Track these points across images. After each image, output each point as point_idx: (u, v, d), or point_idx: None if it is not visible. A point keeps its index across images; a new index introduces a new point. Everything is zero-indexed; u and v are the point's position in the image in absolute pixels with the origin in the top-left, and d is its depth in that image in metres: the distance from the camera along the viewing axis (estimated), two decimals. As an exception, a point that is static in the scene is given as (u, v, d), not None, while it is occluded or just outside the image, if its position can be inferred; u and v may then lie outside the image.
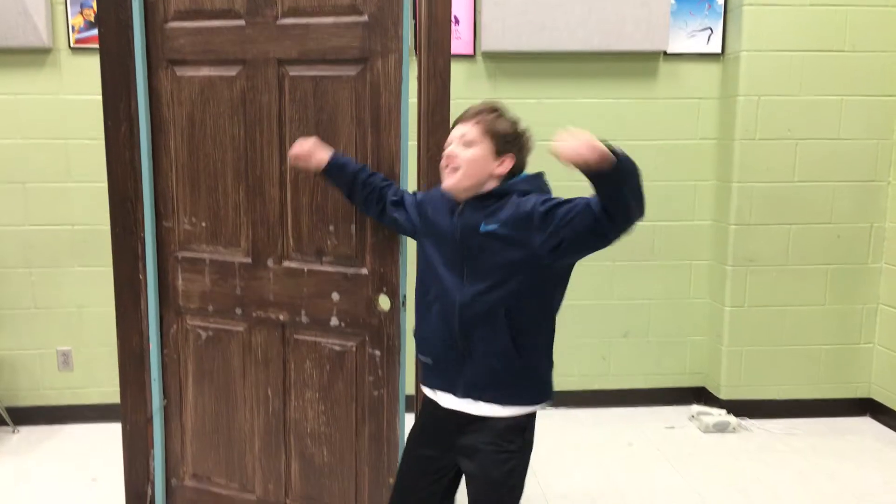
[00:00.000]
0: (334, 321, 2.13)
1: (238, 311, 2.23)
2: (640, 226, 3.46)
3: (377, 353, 2.11)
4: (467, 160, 1.70)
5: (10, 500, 2.74)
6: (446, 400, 1.78)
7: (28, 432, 3.35)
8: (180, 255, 2.27)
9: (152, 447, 2.38)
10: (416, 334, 1.85)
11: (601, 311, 3.60)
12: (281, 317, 2.19)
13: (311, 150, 2.00)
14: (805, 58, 3.31)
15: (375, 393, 2.13)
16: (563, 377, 3.62)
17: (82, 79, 3.24)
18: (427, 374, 1.84)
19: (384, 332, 2.08)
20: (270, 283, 2.18)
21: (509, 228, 1.66)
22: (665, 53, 3.44)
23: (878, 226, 3.46)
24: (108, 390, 3.45)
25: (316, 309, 2.15)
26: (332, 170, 1.98)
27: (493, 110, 1.74)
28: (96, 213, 3.32)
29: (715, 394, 3.59)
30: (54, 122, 3.26)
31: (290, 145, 2.09)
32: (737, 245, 3.43)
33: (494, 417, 1.72)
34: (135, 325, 2.33)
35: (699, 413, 3.49)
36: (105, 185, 2.98)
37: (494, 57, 3.36)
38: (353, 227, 2.09)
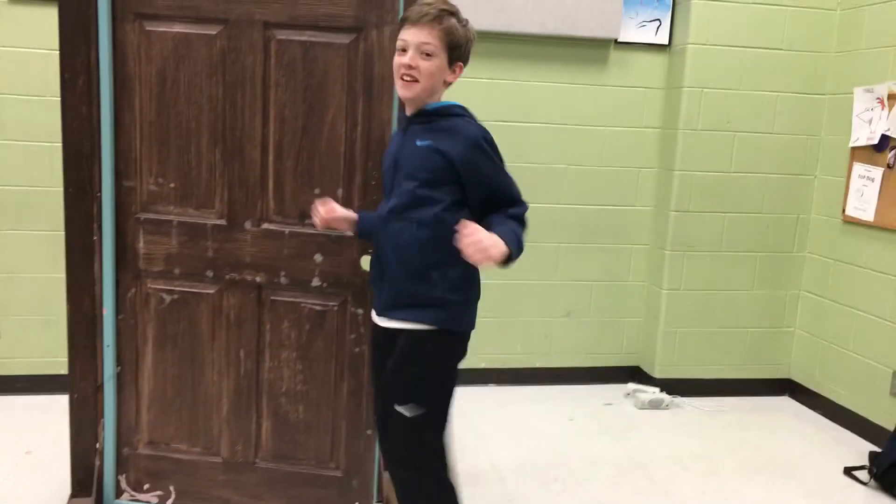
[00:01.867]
0: (316, 282, 2.13)
1: (209, 273, 2.18)
2: (585, 209, 3.62)
3: (360, 311, 2.14)
4: (427, 72, 1.70)
5: (-62, 472, 2.58)
6: (375, 317, 1.86)
7: (-51, 404, 3.15)
8: (143, 216, 2.20)
9: (102, 416, 2.30)
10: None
11: (545, 290, 3.70)
12: (258, 278, 2.16)
13: (335, 213, 1.97)
14: (746, 53, 3.49)
15: (356, 349, 2.17)
16: (507, 354, 3.71)
17: (19, 31, 3.05)
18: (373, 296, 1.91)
19: (368, 291, 2.09)
20: (247, 245, 2.15)
21: (444, 147, 1.69)
22: (616, 42, 3.55)
23: (803, 217, 3.70)
24: (39, 361, 3.29)
25: (297, 270, 2.14)
26: (365, 224, 1.96)
27: (451, 14, 1.72)
28: (30, 173, 3.14)
29: (649, 373, 3.77)
30: (-13, 74, 3.06)
31: (276, 108, 2.06)
32: (676, 231, 3.60)
33: (401, 330, 1.78)
34: (86, 289, 2.23)
35: (634, 391, 3.65)
36: (42, 144, 2.84)
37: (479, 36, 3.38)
38: (339, 190, 2.09)
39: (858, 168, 3.38)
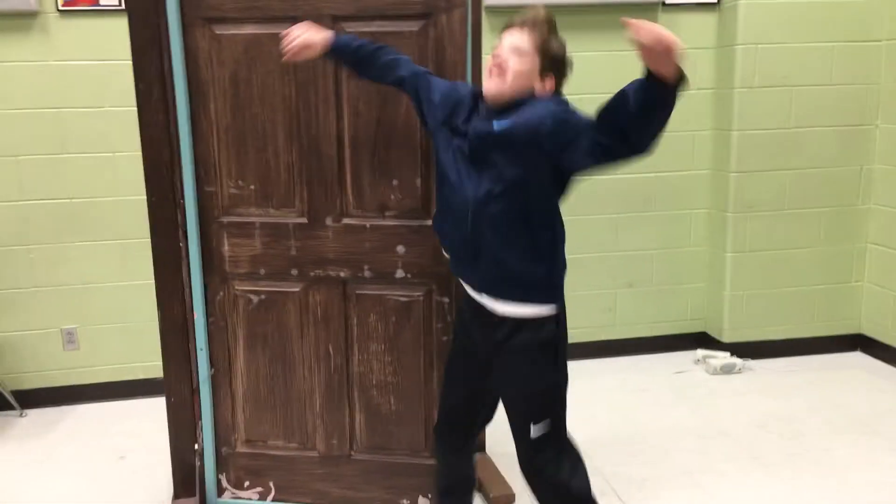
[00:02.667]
0: (399, 273, 2.14)
1: (294, 271, 2.20)
2: (640, 177, 3.58)
3: (445, 299, 2.14)
4: (516, 70, 1.68)
5: (35, 483, 2.66)
6: (470, 290, 1.83)
7: (36, 415, 3.23)
8: (225, 219, 2.22)
9: (199, 418, 2.34)
10: (436, 223, 1.88)
11: (605, 262, 3.68)
12: (342, 274, 2.18)
13: (309, 39, 1.90)
14: (797, 5, 3.41)
15: (444, 338, 2.17)
16: (572, 329, 3.67)
17: (73, 44, 3.08)
18: (453, 263, 1.88)
19: (452, 279, 2.09)
20: (329, 242, 2.16)
21: (522, 126, 1.66)
22: (664, 4, 3.48)
23: (866, 168, 3.62)
24: (118, 367, 3.36)
25: (380, 263, 2.15)
26: (338, 50, 1.93)
27: (549, 23, 1.70)
28: (93, 184, 3.19)
29: (717, 338, 3.74)
30: (44, 90, 3.09)
31: (349, 103, 2.06)
32: (737, 192, 3.54)
33: (512, 317, 1.75)
34: (176, 296, 2.27)
35: (705, 357, 3.62)
36: (103, 154, 2.88)
37: (497, 11, 3.34)
38: (418, 179, 2.09)
39: (925, 114, 3.29)
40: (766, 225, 3.60)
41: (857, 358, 3.73)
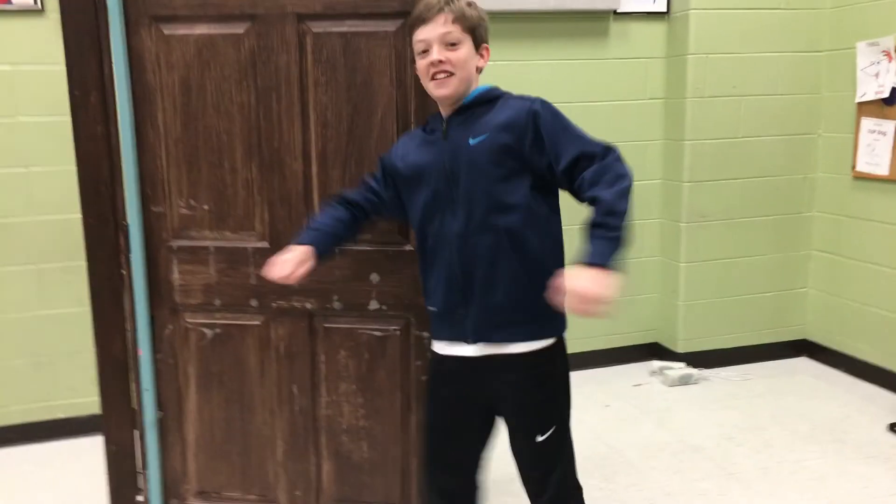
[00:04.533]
0: (374, 304, 1.93)
1: (253, 302, 1.97)
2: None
3: (425, 334, 1.94)
4: (460, 62, 1.55)
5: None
6: (460, 349, 1.65)
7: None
8: (175, 244, 1.97)
9: (145, 468, 2.07)
10: (423, 288, 1.71)
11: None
12: (308, 305, 1.96)
13: (296, 263, 1.68)
14: (746, 15, 3.42)
15: (424, 377, 1.97)
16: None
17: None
18: (436, 325, 1.70)
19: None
20: (294, 269, 1.94)
21: (503, 134, 1.54)
22: (615, 13, 3.43)
23: (810, 177, 3.68)
24: (33, 407, 2.99)
25: (351, 293, 1.94)
26: (322, 247, 1.72)
27: (457, 1, 1.56)
28: (4, 203, 2.83)
29: (671, 348, 3.70)
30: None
31: (316, 112, 1.85)
32: (690, 202, 3.52)
33: (516, 354, 1.60)
34: (116, 330, 2.01)
35: (661, 368, 3.58)
36: (13, 170, 2.61)
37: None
38: (395, 200, 1.89)
39: (867, 123, 3.36)
40: (718, 234, 3.59)
41: (804, 363, 3.78)
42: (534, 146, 1.54)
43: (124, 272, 1.97)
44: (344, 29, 1.82)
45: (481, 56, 1.61)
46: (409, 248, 1.89)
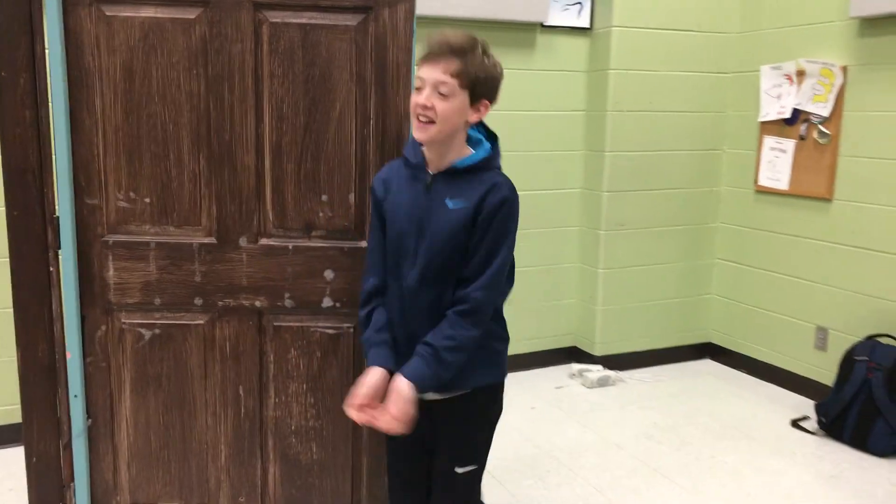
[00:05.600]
0: (327, 302, 1.89)
1: (198, 301, 1.88)
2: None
3: (379, 333, 1.91)
4: (444, 115, 1.52)
5: None
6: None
7: None
8: (111, 238, 1.85)
9: (72, 479, 1.93)
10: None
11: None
12: (258, 303, 1.88)
13: (377, 390, 1.59)
14: (663, 35, 3.60)
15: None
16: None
17: None
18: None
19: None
20: (243, 266, 1.87)
21: (470, 206, 1.56)
22: (542, 25, 3.52)
23: (715, 190, 3.91)
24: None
25: (304, 290, 1.88)
26: (390, 357, 1.64)
27: (471, 48, 1.53)
28: None
29: (589, 351, 3.82)
30: None
31: (271, 104, 1.79)
32: (609, 211, 3.66)
33: (457, 397, 1.66)
34: (41, 332, 1.85)
35: (581, 371, 3.69)
36: None
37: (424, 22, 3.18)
38: (351, 196, 1.86)
39: (769, 141, 3.61)
40: (635, 242, 3.75)
41: (707, 365, 4.00)
42: (483, 223, 1.55)
43: (52, 269, 1.83)
44: (303, 20, 1.77)
45: (476, 111, 1.56)
46: (364, 244, 1.85)
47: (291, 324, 1.91)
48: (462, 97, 1.54)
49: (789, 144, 3.50)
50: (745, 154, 3.77)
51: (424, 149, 1.61)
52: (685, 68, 3.69)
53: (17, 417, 2.72)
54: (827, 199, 3.35)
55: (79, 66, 1.76)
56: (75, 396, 1.88)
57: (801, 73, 3.41)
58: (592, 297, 3.78)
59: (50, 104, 1.76)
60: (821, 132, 3.34)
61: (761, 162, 3.66)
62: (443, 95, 1.52)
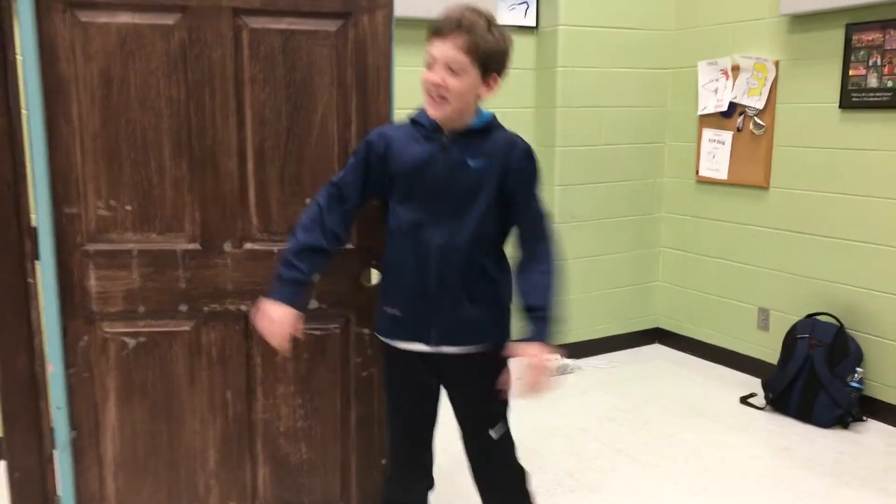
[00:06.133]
0: (313, 303, 1.91)
1: (183, 307, 1.88)
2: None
3: (365, 331, 1.95)
4: (456, 92, 1.59)
5: None
6: (417, 347, 1.74)
7: None
8: (91, 247, 1.83)
9: (56, 493, 1.90)
10: (381, 283, 1.79)
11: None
12: (243, 307, 1.89)
13: (280, 325, 1.70)
14: (605, 33, 3.74)
15: (364, 374, 1.98)
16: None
17: None
18: (392, 326, 1.76)
19: (373, 309, 1.93)
20: (228, 271, 1.88)
21: (494, 165, 1.66)
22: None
23: (659, 181, 4.08)
24: None
25: (290, 294, 1.90)
26: (302, 294, 1.73)
27: (479, 23, 1.57)
28: None
29: (546, 341, 3.93)
30: None
31: (253, 109, 1.81)
32: (562, 204, 3.78)
33: (474, 354, 1.73)
34: (21, 345, 1.83)
35: (539, 360, 3.79)
36: None
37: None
38: (337, 198, 1.89)
39: (708, 133, 3.80)
40: (586, 234, 3.88)
41: (657, 349, 4.18)
42: (518, 182, 1.67)
43: (31, 280, 1.79)
44: (283, 26, 1.79)
45: (487, 85, 1.62)
46: (349, 245, 1.89)
47: (278, 326, 1.93)
48: (473, 73, 1.59)
49: (727, 136, 3.70)
50: (685, 146, 3.95)
51: (441, 122, 1.66)
52: (627, 65, 3.84)
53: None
54: (764, 188, 3.55)
55: (54, 74, 1.73)
56: (58, 409, 1.85)
57: (735, 69, 3.60)
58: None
59: (24, 113, 1.73)
60: (756, 124, 3.54)
61: (701, 153, 3.85)
62: (454, 72, 1.57)
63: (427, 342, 1.73)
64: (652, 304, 4.22)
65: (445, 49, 1.57)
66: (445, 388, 1.82)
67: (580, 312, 3.94)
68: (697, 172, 3.88)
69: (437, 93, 1.60)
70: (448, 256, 1.66)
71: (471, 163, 1.64)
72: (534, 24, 3.72)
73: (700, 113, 3.81)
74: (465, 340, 1.71)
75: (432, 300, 1.68)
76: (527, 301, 1.66)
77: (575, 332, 3.94)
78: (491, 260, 1.71)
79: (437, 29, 1.60)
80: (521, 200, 1.69)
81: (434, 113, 1.63)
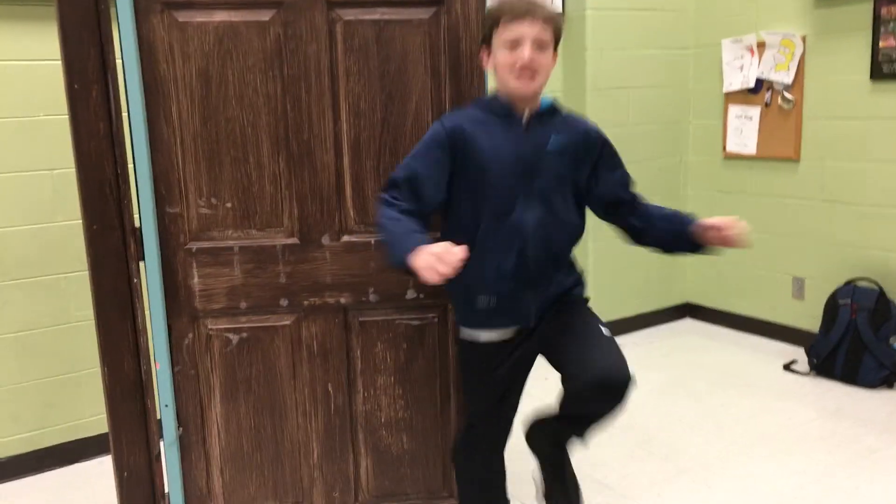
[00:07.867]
0: (411, 294, 1.94)
1: (283, 302, 1.90)
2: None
3: (463, 318, 1.98)
4: (546, 67, 1.68)
5: None
6: (507, 332, 1.80)
7: None
8: (194, 246, 1.84)
9: (166, 489, 1.92)
10: (465, 279, 1.70)
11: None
12: (342, 300, 1.92)
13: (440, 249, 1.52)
14: (629, 16, 3.78)
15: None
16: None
17: None
18: (481, 317, 1.77)
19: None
20: (327, 264, 1.90)
21: (574, 145, 1.74)
22: (519, 11, 3.62)
23: (684, 159, 4.14)
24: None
25: (387, 284, 1.93)
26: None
27: (548, 2, 1.72)
28: None
29: (582, 321, 3.99)
30: None
31: (348, 101, 1.83)
32: (594, 185, 3.82)
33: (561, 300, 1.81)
34: (125, 346, 1.84)
35: (578, 340, 3.85)
36: None
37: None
38: (433, 187, 1.91)
39: (735, 110, 3.86)
40: (617, 213, 3.93)
41: (688, 324, 4.25)
42: (607, 154, 1.79)
43: (136, 280, 1.80)
44: (376, 17, 1.81)
45: (554, 61, 1.72)
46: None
47: (376, 318, 1.96)
48: (552, 50, 1.69)
49: (754, 111, 3.76)
50: (711, 124, 4.00)
51: (518, 103, 1.70)
52: (650, 46, 3.88)
53: (92, 431, 2.68)
54: (794, 160, 3.62)
55: (154, 75, 1.74)
56: (166, 406, 1.87)
57: (761, 45, 3.66)
58: (585, 266, 3.92)
59: (125, 115, 1.73)
60: (784, 98, 3.61)
61: (728, 129, 3.90)
62: (542, 48, 1.65)
63: (528, 323, 1.76)
64: (682, 280, 4.28)
65: (535, 29, 1.64)
66: (540, 337, 1.80)
67: (611, 291, 3.99)
68: (724, 148, 3.94)
69: (530, 69, 1.64)
70: (545, 235, 1.71)
71: (554, 140, 1.71)
72: (560, 10, 3.74)
73: (726, 90, 3.87)
74: (555, 298, 1.78)
75: (532, 282, 1.73)
76: (672, 224, 1.83)
77: (606, 311, 3.99)
78: (573, 231, 1.81)
79: (518, 11, 1.65)
80: (613, 169, 1.82)
81: (526, 90, 1.67)
